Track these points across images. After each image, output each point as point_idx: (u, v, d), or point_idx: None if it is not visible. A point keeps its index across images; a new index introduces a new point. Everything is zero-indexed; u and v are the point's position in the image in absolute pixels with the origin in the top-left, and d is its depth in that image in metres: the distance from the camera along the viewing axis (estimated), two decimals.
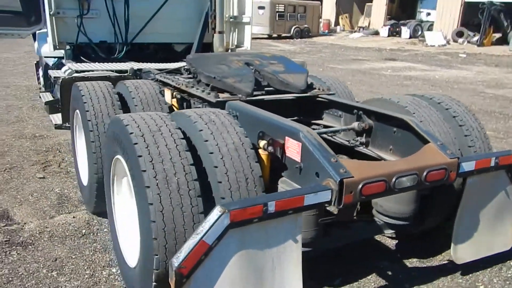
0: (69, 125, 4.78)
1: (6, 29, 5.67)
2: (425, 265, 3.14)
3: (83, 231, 3.43)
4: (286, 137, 2.51)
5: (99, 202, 3.41)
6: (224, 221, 1.90)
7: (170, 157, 2.20)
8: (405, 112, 3.13)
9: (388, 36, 29.51)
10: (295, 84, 3.55)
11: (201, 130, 2.40)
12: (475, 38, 24.71)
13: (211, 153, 2.30)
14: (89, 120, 3.28)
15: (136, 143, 2.21)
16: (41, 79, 6.66)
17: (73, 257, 3.06)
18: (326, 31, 33.46)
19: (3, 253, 3.07)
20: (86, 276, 2.85)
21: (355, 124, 3.17)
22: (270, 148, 2.52)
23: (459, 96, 9.42)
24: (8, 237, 3.28)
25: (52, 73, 4.75)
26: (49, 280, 2.79)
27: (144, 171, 2.12)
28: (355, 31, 33.17)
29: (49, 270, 2.89)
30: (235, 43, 6.34)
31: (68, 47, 5.15)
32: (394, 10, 34.06)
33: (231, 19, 6.17)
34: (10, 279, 2.78)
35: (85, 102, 3.34)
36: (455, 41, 25.66)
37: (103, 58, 5.21)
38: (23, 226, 3.47)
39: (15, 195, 4.02)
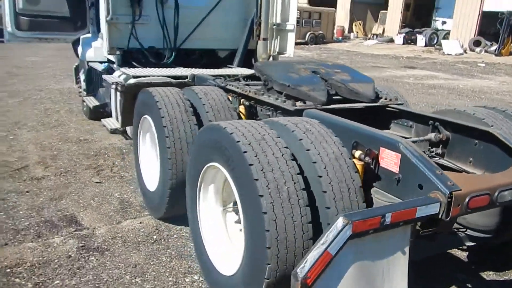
0: (123, 130, 4.82)
1: (54, 33, 5.75)
2: (502, 279, 3.11)
3: (154, 237, 3.43)
4: (381, 148, 2.49)
5: (170, 208, 3.42)
6: (346, 232, 1.90)
7: (279, 166, 2.20)
8: (483, 124, 3.10)
9: (403, 44, 29.49)
10: (365, 93, 3.54)
11: (301, 139, 2.39)
12: (493, 48, 24.58)
13: (314, 162, 2.30)
14: (165, 126, 3.27)
15: (245, 152, 2.21)
16: (82, 83, 6.70)
17: (152, 263, 3.06)
18: (340, 37, 33.49)
19: (82, 258, 3.08)
20: (170, 283, 2.85)
21: (431, 135, 3.14)
22: (367, 159, 2.51)
23: None
24: (82, 242, 3.29)
25: (108, 78, 4.77)
26: (135, 287, 2.79)
27: (257, 180, 2.12)
28: (369, 38, 33.19)
29: (132, 277, 2.89)
30: (277, 50, 6.37)
31: (118, 52, 5.18)
32: (408, 18, 34.05)
33: (274, 26, 6.19)
34: (97, 285, 2.78)
35: (160, 108, 3.34)
36: (472, 50, 25.55)
37: (153, 63, 5.24)
38: (93, 231, 3.48)
39: (77, 200, 4.04)
